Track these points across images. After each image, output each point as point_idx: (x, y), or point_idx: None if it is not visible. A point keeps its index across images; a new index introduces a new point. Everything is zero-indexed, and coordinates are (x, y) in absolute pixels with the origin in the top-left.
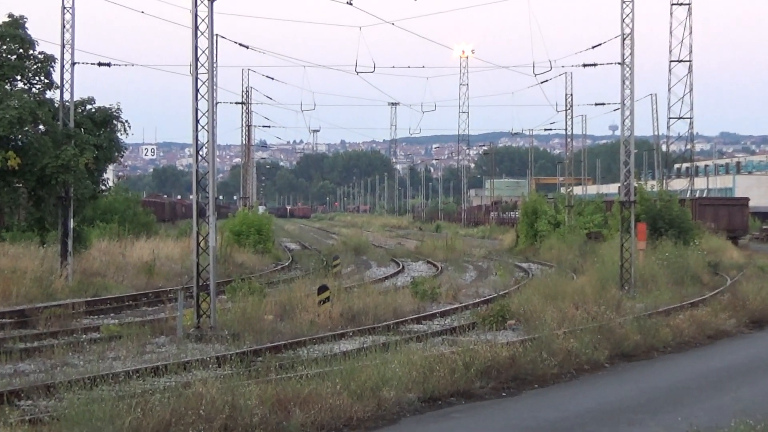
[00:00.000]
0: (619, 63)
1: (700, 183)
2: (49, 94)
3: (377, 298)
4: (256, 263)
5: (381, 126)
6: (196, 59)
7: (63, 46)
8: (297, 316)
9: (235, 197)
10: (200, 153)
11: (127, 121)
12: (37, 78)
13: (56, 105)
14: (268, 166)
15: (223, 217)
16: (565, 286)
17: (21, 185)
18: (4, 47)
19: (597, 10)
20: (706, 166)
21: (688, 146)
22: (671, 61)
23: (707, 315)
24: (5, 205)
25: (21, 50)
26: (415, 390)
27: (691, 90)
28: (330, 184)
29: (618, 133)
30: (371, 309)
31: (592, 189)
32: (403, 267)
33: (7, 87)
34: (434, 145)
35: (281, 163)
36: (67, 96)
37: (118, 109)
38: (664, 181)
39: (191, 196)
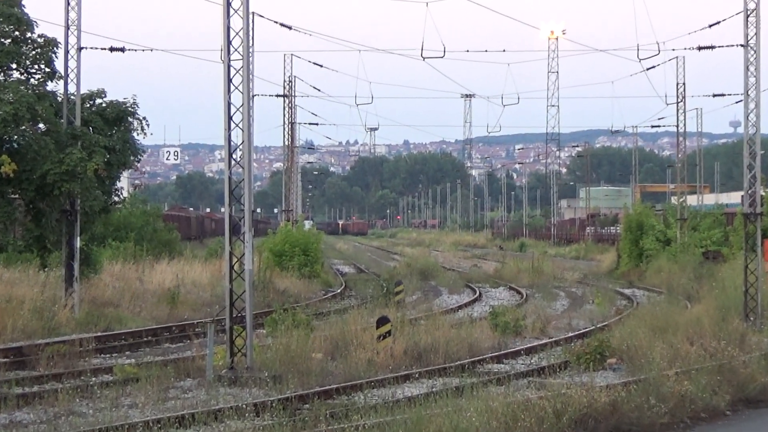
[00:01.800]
0: (741, 45)
1: None
2: (50, 86)
3: (449, 332)
4: (301, 290)
5: (453, 123)
6: (229, 43)
7: (67, 28)
8: (352, 355)
9: (275, 210)
10: (234, 156)
11: (145, 118)
12: (36, 66)
13: (59, 99)
14: (315, 172)
15: (261, 235)
16: (677, 316)
17: (17, 196)
18: None
19: None
20: None
21: None
22: None
23: None
24: None
25: (17, 33)
26: None
27: None
28: (391, 193)
29: (741, 130)
30: (441, 345)
31: (710, 198)
32: (480, 294)
33: (0, 77)
34: (517, 146)
35: (332, 169)
36: (72, 88)
37: (135, 103)
38: None
39: (222, 209)
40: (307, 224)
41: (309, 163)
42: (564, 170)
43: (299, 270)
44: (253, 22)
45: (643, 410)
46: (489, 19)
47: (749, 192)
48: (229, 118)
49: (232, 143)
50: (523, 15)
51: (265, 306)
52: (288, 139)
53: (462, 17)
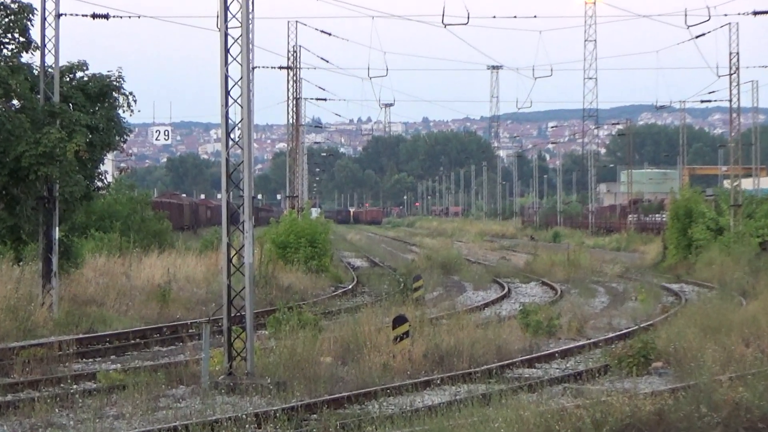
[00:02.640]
0: None
1: None
2: (25, 58)
3: (474, 333)
4: (308, 286)
5: (478, 98)
6: (226, 8)
7: None
8: (365, 358)
9: (279, 196)
10: (231, 136)
11: (131, 93)
12: (9, 36)
13: (36, 72)
14: (323, 154)
15: (263, 224)
16: (731, 314)
17: None
18: None
19: None
20: None
21: None
22: None
23: None
24: None
25: None
26: None
27: None
28: (408, 177)
29: None
30: (466, 347)
31: (767, 182)
32: (508, 290)
33: None
34: (550, 124)
35: (342, 150)
36: (50, 60)
37: (120, 77)
38: None
39: (219, 195)
40: (315, 212)
41: (316, 143)
42: (603, 151)
43: (305, 264)
44: None
45: (692, 420)
46: None
47: None
48: (227, 92)
49: (229, 121)
50: None
51: (268, 304)
52: (292, 117)
53: None
